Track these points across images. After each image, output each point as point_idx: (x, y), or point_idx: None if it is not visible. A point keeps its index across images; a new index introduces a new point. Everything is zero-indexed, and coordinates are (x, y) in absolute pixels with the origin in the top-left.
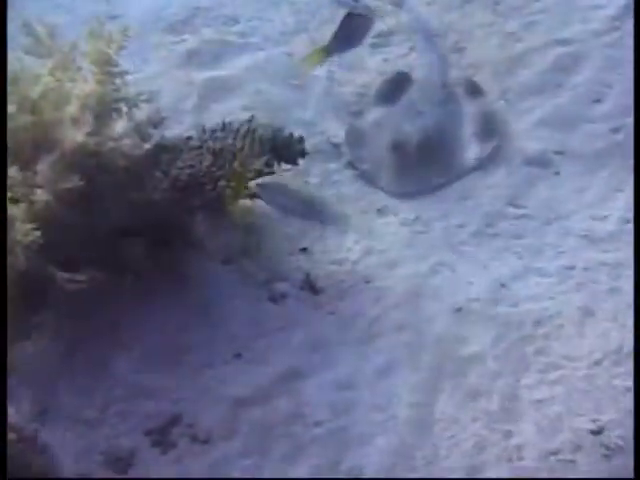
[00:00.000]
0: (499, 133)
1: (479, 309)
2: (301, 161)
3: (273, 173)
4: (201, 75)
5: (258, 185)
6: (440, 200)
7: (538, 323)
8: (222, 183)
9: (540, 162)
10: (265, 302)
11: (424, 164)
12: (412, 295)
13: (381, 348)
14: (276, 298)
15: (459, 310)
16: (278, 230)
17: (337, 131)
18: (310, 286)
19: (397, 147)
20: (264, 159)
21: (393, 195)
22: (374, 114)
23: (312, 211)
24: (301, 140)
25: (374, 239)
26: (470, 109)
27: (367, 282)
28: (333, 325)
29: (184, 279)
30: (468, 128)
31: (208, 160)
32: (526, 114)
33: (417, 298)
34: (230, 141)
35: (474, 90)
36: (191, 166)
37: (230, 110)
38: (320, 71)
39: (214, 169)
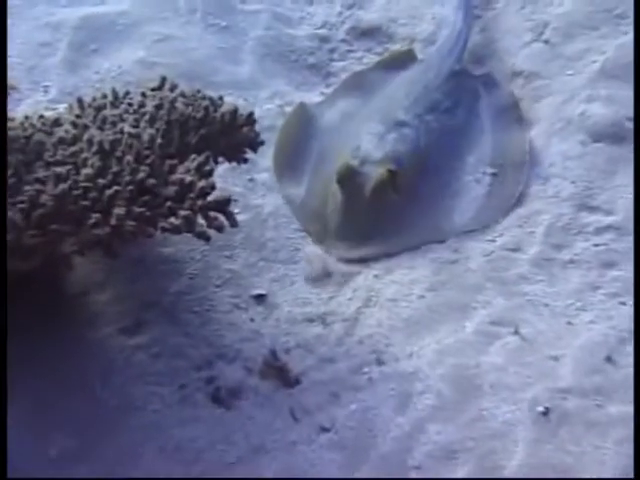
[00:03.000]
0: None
1: (580, 411)
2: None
3: (213, 188)
4: (73, 13)
5: None
6: None
7: None
8: (119, 211)
9: (613, 136)
10: (203, 406)
11: (381, 217)
12: (459, 387)
13: None
14: (221, 397)
15: (546, 414)
16: (215, 267)
17: (292, 95)
18: (279, 371)
19: (341, 179)
20: (196, 161)
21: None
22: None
23: None
24: (251, 118)
25: (375, 278)
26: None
27: (379, 363)
28: (329, 455)
29: (56, 367)
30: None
31: (91, 165)
32: (579, 62)
33: (468, 392)
34: (129, 127)
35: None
36: (60, 178)
37: (123, 68)
38: (260, 4)
39: (102, 182)
